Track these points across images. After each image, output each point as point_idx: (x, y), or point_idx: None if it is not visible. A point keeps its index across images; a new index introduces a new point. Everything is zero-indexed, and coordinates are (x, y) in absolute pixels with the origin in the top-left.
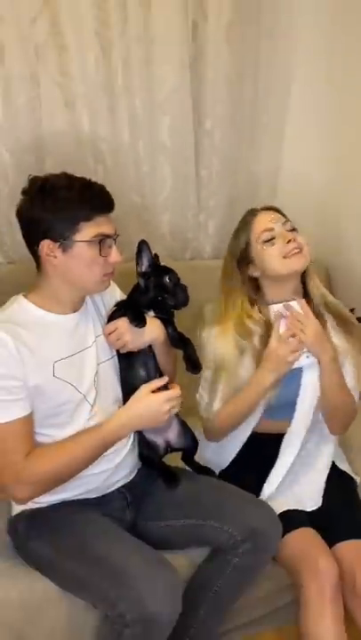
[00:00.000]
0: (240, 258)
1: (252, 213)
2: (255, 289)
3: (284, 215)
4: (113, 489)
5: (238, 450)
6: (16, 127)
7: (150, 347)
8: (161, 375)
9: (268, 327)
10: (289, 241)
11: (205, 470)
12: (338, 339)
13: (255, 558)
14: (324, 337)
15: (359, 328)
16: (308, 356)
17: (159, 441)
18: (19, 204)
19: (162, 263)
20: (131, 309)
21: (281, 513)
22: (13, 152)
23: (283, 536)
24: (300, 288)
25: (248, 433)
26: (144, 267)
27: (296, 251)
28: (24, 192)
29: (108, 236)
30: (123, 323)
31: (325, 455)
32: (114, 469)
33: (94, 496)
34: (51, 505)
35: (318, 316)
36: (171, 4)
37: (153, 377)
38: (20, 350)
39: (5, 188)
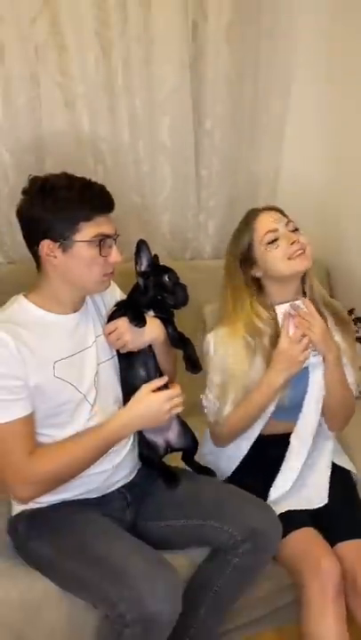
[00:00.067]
0: (243, 259)
1: (253, 214)
2: (258, 289)
3: (285, 215)
4: (113, 489)
5: (245, 453)
6: (16, 127)
7: (150, 346)
8: (161, 375)
9: (276, 327)
10: (293, 242)
11: (205, 470)
12: (338, 337)
13: (255, 558)
14: (329, 335)
15: (353, 327)
16: (314, 355)
17: (159, 441)
18: (19, 204)
19: (161, 263)
20: (131, 309)
21: (282, 513)
22: (13, 152)
23: (284, 536)
24: (301, 288)
25: (256, 435)
26: (143, 266)
27: (300, 252)
28: (24, 192)
29: (108, 236)
30: (123, 322)
31: (326, 452)
32: (114, 469)
33: (94, 496)
34: (51, 505)
35: (320, 315)
36: (171, 3)
37: (153, 377)
38: (20, 350)
39: (5, 188)
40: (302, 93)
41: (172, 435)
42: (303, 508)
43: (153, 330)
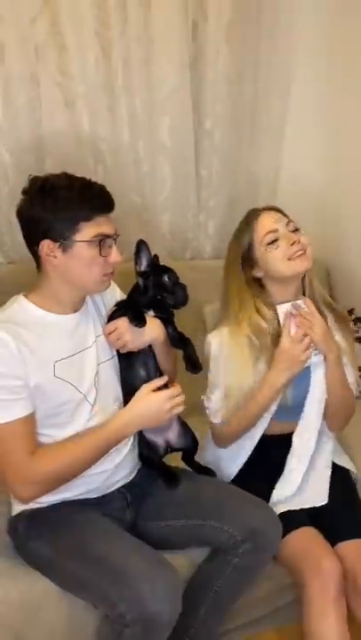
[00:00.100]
0: (243, 259)
1: (254, 214)
2: (259, 289)
3: (286, 215)
4: (113, 489)
5: (249, 455)
6: (16, 127)
7: (150, 346)
8: (161, 375)
9: (277, 327)
10: (293, 243)
11: (205, 470)
12: (338, 337)
13: (255, 558)
14: (330, 334)
15: (352, 327)
16: (316, 354)
17: (159, 441)
18: (19, 204)
19: (161, 263)
20: (130, 309)
21: (282, 512)
22: (13, 152)
23: (284, 535)
24: (301, 287)
25: (258, 436)
26: (143, 266)
27: (300, 252)
28: (24, 192)
29: (108, 236)
30: (123, 322)
31: (326, 452)
32: (114, 469)
33: (94, 496)
34: (51, 505)
35: (321, 314)
36: (171, 3)
37: (153, 377)
38: (20, 350)
39: (5, 188)
40: (302, 93)
41: (173, 435)
42: (303, 507)
43: (153, 330)
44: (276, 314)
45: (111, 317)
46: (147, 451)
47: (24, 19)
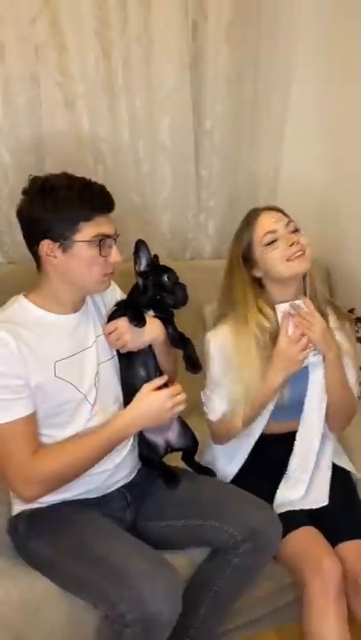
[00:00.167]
0: (243, 259)
1: (254, 214)
2: (259, 289)
3: (287, 215)
4: (113, 489)
5: (247, 455)
6: (16, 127)
7: (150, 346)
8: (161, 375)
9: (277, 326)
10: (292, 244)
11: (205, 470)
12: (340, 336)
13: (255, 558)
14: (329, 334)
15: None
16: (314, 354)
17: (159, 441)
18: (19, 204)
19: (161, 263)
20: (130, 309)
21: (282, 512)
22: (13, 152)
23: (284, 535)
24: (302, 287)
25: (257, 436)
26: (142, 266)
27: (299, 254)
28: (24, 192)
29: (108, 236)
30: (122, 322)
31: (327, 453)
32: (114, 469)
33: (94, 496)
34: (51, 505)
35: (322, 314)
36: (171, 3)
37: (153, 377)
38: (21, 349)
39: (5, 188)
40: (302, 93)
41: (173, 435)
42: (304, 508)
43: (153, 330)
44: (275, 313)
45: (111, 317)
46: (147, 451)
47: (24, 19)
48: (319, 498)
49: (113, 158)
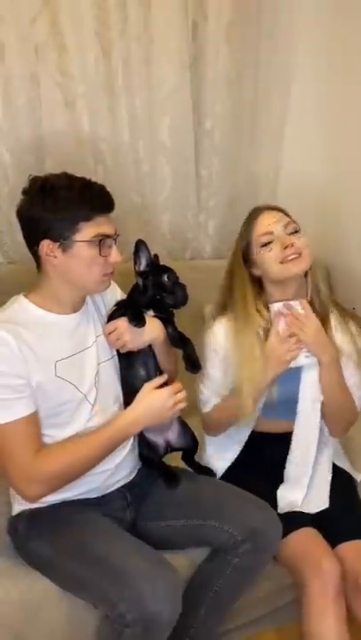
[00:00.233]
0: (244, 257)
1: (255, 213)
2: (258, 288)
3: (288, 215)
4: (113, 489)
5: (240, 450)
6: (16, 127)
7: (150, 346)
8: (161, 374)
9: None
10: (286, 246)
11: (205, 470)
12: (342, 338)
13: (255, 558)
14: (324, 337)
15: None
16: (307, 356)
17: (159, 441)
18: (19, 204)
19: (161, 263)
20: (130, 309)
21: (282, 513)
22: (13, 152)
23: (284, 535)
24: (304, 288)
25: (247, 433)
26: (142, 266)
27: (293, 256)
28: (24, 192)
29: (108, 236)
30: (122, 322)
31: (327, 456)
32: (114, 469)
33: (94, 496)
34: (51, 505)
35: (324, 315)
36: (171, 3)
37: (153, 376)
38: (22, 349)
39: (5, 188)
40: (302, 93)
41: (173, 434)
42: (304, 511)
43: (153, 330)
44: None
45: (111, 317)
46: (147, 451)
47: (24, 19)
48: (319, 502)
49: (113, 158)
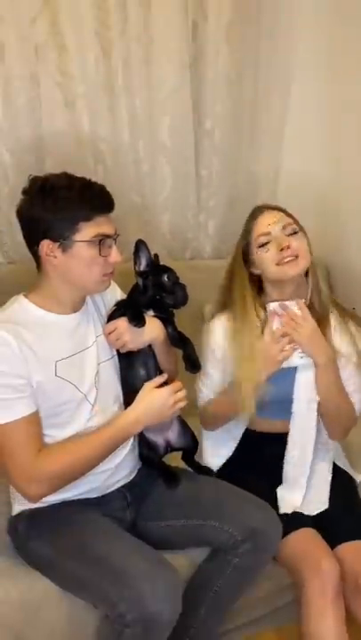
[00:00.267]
0: (244, 257)
1: (256, 212)
2: (259, 287)
3: (289, 215)
4: (113, 489)
5: (235, 447)
6: (16, 127)
7: (150, 346)
8: (161, 374)
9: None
10: (282, 248)
11: (205, 470)
12: (343, 340)
13: (255, 558)
14: (319, 338)
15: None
16: (301, 357)
17: (159, 441)
18: (19, 204)
19: (161, 263)
20: (130, 309)
21: (282, 513)
22: (13, 152)
23: (284, 536)
24: (303, 288)
25: (241, 431)
26: (142, 266)
27: (289, 259)
28: (24, 192)
29: (108, 236)
30: (122, 322)
31: (327, 457)
32: (114, 469)
33: (94, 496)
34: (51, 505)
35: (324, 315)
36: (171, 3)
37: (153, 376)
38: (22, 349)
39: (5, 188)
40: (302, 93)
41: (173, 434)
42: (303, 512)
43: (152, 330)
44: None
45: (111, 317)
46: (147, 450)
47: (24, 19)
48: (318, 503)
49: (113, 158)
